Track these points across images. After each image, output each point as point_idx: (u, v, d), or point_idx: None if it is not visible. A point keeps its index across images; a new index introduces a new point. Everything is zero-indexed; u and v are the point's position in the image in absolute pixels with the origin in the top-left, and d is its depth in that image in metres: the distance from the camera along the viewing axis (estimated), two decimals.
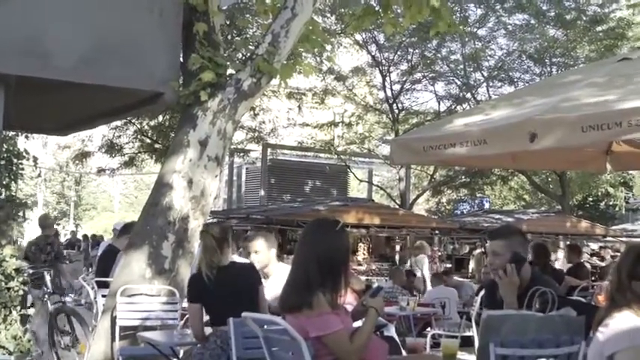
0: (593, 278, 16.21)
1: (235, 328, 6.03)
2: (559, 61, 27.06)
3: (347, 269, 4.93)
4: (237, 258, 7.53)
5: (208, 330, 6.66)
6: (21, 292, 9.39)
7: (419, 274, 17.26)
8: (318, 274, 4.72)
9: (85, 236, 29.69)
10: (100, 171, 28.44)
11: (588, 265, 20.91)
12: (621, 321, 3.82)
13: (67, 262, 12.21)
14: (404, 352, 8.53)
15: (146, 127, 24.44)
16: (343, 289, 4.86)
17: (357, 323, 4.98)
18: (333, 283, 4.79)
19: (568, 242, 22.35)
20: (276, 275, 7.54)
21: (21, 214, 9.80)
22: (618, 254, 26.95)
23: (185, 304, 8.57)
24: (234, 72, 8.57)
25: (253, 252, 7.57)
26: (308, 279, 4.72)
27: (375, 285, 5.37)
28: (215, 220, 23.15)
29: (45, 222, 12.63)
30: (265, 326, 5.02)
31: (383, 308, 5.05)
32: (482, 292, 9.94)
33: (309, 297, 4.66)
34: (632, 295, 3.87)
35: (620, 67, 7.48)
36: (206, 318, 6.72)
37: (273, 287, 7.21)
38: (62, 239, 41.33)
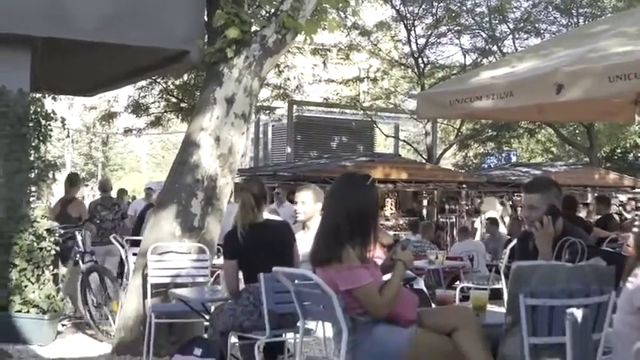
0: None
1: (266, 283, 6.08)
2: (586, 12, 26.76)
3: (376, 223, 4.97)
4: (266, 215, 7.52)
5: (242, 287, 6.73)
6: (53, 252, 9.52)
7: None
8: (348, 228, 4.76)
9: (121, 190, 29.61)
10: (127, 131, 28.58)
11: (617, 217, 20.85)
12: None
13: (98, 221, 12.31)
14: (433, 305, 8.58)
15: (171, 86, 24.47)
16: (372, 243, 4.91)
17: (387, 277, 5.02)
18: (363, 237, 4.83)
19: (597, 194, 22.23)
20: (314, 228, 7.56)
21: (50, 175, 9.89)
22: None
23: (215, 261, 8.67)
24: (258, 29, 8.55)
25: (300, 202, 7.55)
26: (337, 233, 4.76)
27: (402, 239, 5.41)
28: (249, 176, 23.31)
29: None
30: (297, 280, 5.07)
31: (412, 261, 5.09)
32: (510, 245, 9.97)
33: (338, 251, 4.70)
34: None
35: None
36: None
37: (310, 240, 7.26)
38: (89, 200, 41.65)
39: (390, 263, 5.08)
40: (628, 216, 25.53)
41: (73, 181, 12.31)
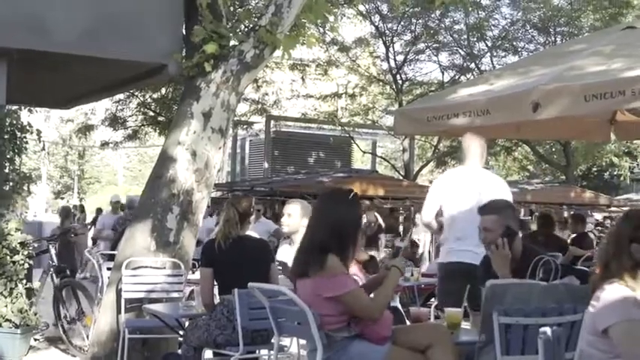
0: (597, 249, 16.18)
1: (241, 298, 6.07)
2: (563, 31, 26.94)
3: (357, 238, 5.03)
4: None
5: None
6: (26, 266, 9.42)
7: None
8: (331, 241, 4.84)
9: (98, 209, 29.66)
10: (104, 144, 28.45)
11: (592, 235, 20.91)
12: (611, 293, 3.80)
13: (73, 235, 12.24)
14: (408, 322, 8.58)
15: (149, 99, 24.42)
16: (352, 256, 4.99)
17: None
18: (344, 249, 4.90)
19: (572, 212, 22.32)
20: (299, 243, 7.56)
21: (25, 187, 9.81)
22: None
23: (190, 277, 8.63)
24: (237, 43, 8.54)
25: (286, 214, 7.57)
26: (320, 245, 4.83)
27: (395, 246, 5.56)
28: (222, 194, 23.25)
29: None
30: (272, 297, 5.10)
31: (404, 267, 5.17)
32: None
33: (322, 260, 4.76)
34: (629, 261, 3.86)
35: (625, 36, 7.48)
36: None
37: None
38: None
39: (385, 273, 5.17)
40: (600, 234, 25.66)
41: None
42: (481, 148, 7.12)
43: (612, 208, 27.68)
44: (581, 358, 3.94)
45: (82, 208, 27.17)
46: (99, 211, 25.91)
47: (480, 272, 6.02)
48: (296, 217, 7.55)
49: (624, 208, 27.42)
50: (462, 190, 7.06)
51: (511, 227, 5.49)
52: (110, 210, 18.96)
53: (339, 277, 4.77)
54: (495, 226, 5.51)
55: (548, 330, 3.49)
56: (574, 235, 13.44)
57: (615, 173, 36.92)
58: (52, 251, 10.41)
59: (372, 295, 5.05)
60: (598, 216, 27.85)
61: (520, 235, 5.76)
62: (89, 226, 20.06)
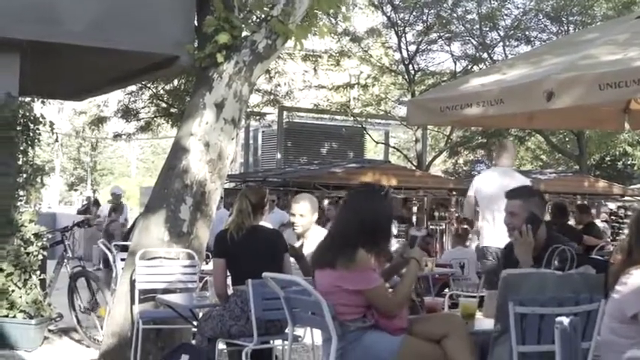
0: (611, 238, 16.16)
1: (255, 289, 6.07)
2: (576, 20, 26.84)
3: (390, 234, 5.07)
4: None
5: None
6: (40, 257, 9.47)
7: None
8: (362, 236, 4.84)
9: (96, 201, 29.83)
10: (117, 136, 28.46)
11: (601, 225, 20.87)
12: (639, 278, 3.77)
13: (86, 226, 12.25)
14: (422, 312, 8.57)
15: (162, 91, 24.41)
16: (384, 253, 5.03)
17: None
18: (375, 245, 4.92)
19: (578, 202, 22.26)
20: (311, 239, 7.56)
21: (39, 179, 9.85)
22: None
23: (204, 267, 8.64)
24: (249, 34, 8.52)
25: (298, 215, 7.60)
26: (351, 239, 4.83)
27: (410, 235, 5.51)
28: (235, 185, 23.27)
29: None
30: (287, 287, 5.10)
31: (422, 258, 5.16)
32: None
33: (352, 254, 4.77)
34: None
35: (638, 25, 7.40)
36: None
37: (306, 250, 7.28)
38: (79, 205, 41.52)
39: (400, 261, 5.19)
40: (614, 223, 25.60)
41: None
42: (514, 150, 7.74)
43: (626, 198, 27.59)
44: (601, 347, 3.92)
45: (96, 202, 27.22)
46: (96, 203, 26.01)
47: (501, 258, 6.01)
48: (308, 216, 7.61)
49: (638, 198, 27.39)
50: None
51: (536, 214, 5.45)
52: (110, 202, 19.00)
53: (367, 272, 4.79)
54: (520, 210, 5.47)
55: (564, 320, 3.47)
56: (581, 225, 13.40)
57: (629, 162, 36.78)
58: (66, 242, 10.44)
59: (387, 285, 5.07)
60: (612, 205, 27.77)
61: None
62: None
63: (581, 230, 12.96)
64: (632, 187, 30.84)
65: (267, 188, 20.03)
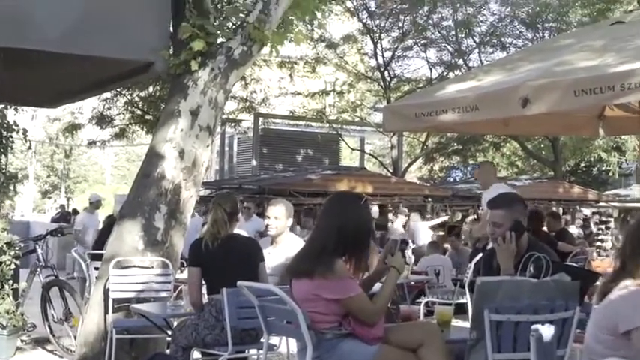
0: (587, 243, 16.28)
1: (230, 297, 6.04)
2: (551, 26, 26.96)
3: (369, 243, 5.03)
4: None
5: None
6: (13, 266, 9.37)
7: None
8: (340, 245, 4.84)
9: (74, 210, 29.71)
10: (91, 143, 28.28)
11: (575, 231, 21.02)
12: (638, 295, 3.73)
13: (60, 235, 12.14)
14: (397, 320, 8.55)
15: (136, 98, 24.28)
16: (364, 262, 5.02)
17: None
18: (355, 255, 4.94)
19: (553, 209, 22.37)
20: (284, 244, 7.56)
21: (12, 187, 9.76)
22: (611, 219, 27.09)
23: (178, 276, 8.58)
24: (224, 40, 8.48)
25: (273, 217, 7.61)
26: (328, 247, 4.83)
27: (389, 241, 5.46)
28: (210, 192, 23.17)
29: None
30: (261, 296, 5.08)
31: (403, 266, 5.15)
32: (475, 259, 9.97)
33: (331, 263, 4.75)
34: None
35: (613, 31, 7.46)
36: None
37: (278, 255, 7.28)
38: (52, 213, 41.28)
39: (381, 268, 5.14)
40: (593, 228, 25.75)
41: None
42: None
43: (601, 204, 27.76)
44: (584, 354, 3.90)
45: (75, 212, 27.07)
46: (75, 212, 25.84)
47: (481, 264, 6.00)
48: (282, 219, 7.62)
49: (613, 204, 27.57)
50: None
51: (520, 222, 5.44)
52: (88, 210, 18.84)
53: (345, 280, 4.78)
54: (504, 220, 5.45)
55: (540, 327, 3.46)
56: (553, 233, 13.47)
57: (603, 169, 36.98)
58: (39, 251, 10.36)
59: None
60: (587, 211, 27.91)
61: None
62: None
63: (555, 237, 13.02)
64: (606, 193, 31.05)
65: (244, 195, 20.03)
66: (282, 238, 7.65)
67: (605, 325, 3.79)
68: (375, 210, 18.30)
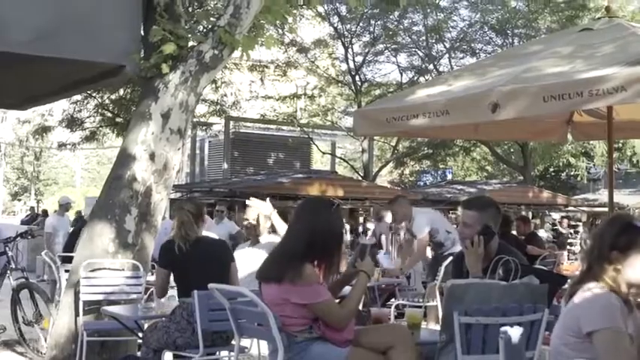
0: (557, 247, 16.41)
1: (201, 300, 6.03)
2: (521, 32, 27.17)
3: (340, 249, 5.03)
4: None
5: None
6: None
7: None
8: (310, 250, 4.82)
9: (44, 212, 29.53)
10: (61, 146, 28.12)
11: (544, 235, 21.18)
12: (599, 297, 3.78)
13: (30, 237, 12.06)
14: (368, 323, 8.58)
15: (107, 100, 24.18)
16: (336, 267, 5.01)
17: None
18: (325, 260, 4.94)
19: (523, 213, 22.53)
20: (262, 243, 7.63)
21: None
22: (580, 223, 27.31)
23: (149, 278, 8.57)
24: (195, 44, 8.49)
25: (251, 219, 7.74)
26: (297, 252, 4.81)
27: (359, 244, 5.49)
28: (181, 195, 23.13)
29: None
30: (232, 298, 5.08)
31: (373, 270, 5.16)
32: (445, 262, 10.02)
33: (300, 268, 4.74)
34: (610, 266, 3.84)
35: (582, 38, 7.52)
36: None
37: (257, 253, 7.31)
38: (22, 215, 40.97)
39: (351, 272, 5.17)
40: (563, 231, 25.95)
41: None
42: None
43: (570, 208, 27.99)
44: (550, 356, 3.94)
45: (45, 213, 26.89)
46: (45, 213, 25.66)
47: (451, 267, 6.05)
48: (261, 220, 7.65)
49: (582, 208, 27.79)
50: None
51: (490, 227, 5.47)
52: (58, 212, 18.68)
53: (314, 286, 4.77)
54: (474, 222, 5.48)
55: (509, 329, 3.49)
56: (523, 236, 13.57)
57: (572, 173, 37.31)
58: (9, 253, 10.30)
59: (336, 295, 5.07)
60: (556, 215, 28.13)
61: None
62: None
63: (524, 240, 13.11)
64: (575, 197, 31.30)
65: (215, 199, 19.97)
66: (263, 239, 7.71)
67: (570, 326, 3.83)
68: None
